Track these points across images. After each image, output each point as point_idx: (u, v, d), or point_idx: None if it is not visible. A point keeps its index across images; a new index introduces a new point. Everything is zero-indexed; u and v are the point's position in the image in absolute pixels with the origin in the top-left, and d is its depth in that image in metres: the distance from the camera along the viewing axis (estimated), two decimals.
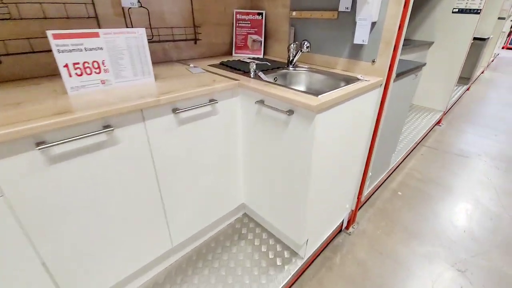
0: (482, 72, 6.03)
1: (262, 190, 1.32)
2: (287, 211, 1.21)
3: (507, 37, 9.37)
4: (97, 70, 0.98)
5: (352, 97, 1.06)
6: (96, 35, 0.96)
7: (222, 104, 1.14)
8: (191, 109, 1.02)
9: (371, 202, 1.84)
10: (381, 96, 1.25)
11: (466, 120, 3.35)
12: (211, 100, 1.09)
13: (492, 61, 7.36)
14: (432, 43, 3.09)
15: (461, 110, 3.68)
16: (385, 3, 1.11)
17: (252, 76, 1.22)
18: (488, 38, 4.12)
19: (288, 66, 1.43)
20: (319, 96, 0.93)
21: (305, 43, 1.30)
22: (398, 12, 1.09)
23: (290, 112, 0.97)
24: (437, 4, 2.95)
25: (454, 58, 3.01)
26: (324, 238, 1.39)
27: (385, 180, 2.05)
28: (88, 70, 0.97)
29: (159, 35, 1.45)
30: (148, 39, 1.45)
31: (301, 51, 1.35)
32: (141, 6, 1.39)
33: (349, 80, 1.18)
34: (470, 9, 2.78)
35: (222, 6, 1.66)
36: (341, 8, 1.27)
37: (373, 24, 1.17)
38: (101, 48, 0.98)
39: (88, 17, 1.24)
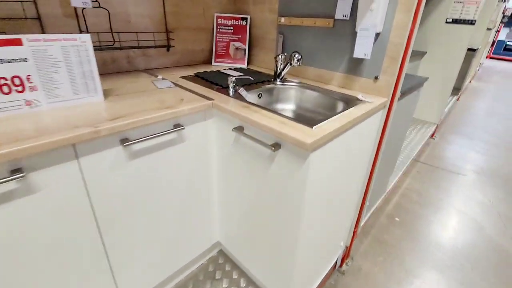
0: (470, 82, 6.05)
1: (241, 232, 1.09)
2: (270, 261, 0.99)
3: (490, 47, 9.61)
4: (20, 88, 0.74)
5: (354, 125, 0.86)
6: (17, 42, 0.72)
7: (190, 130, 0.91)
8: (147, 139, 0.78)
9: (366, 230, 1.64)
10: (384, 118, 1.06)
11: (459, 132, 3.24)
12: (176, 126, 0.86)
13: (478, 70, 7.44)
14: (424, 53, 2.98)
15: (454, 122, 3.58)
16: (391, 10, 0.91)
17: (231, 94, 1.00)
18: (478, 48, 4.07)
19: (275, 79, 1.22)
20: (314, 127, 0.71)
21: (296, 56, 1.09)
22: (407, 22, 0.89)
23: (276, 146, 0.75)
24: (429, 14, 2.85)
25: (448, 69, 2.90)
26: (315, 287, 1.17)
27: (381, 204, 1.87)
28: (5, 88, 0.72)
29: (120, 41, 1.21)
30: (108, 45, 1.20)
31: (290, 64, 1.14)
32: (99, 6, 1.14)
33: (348, 101, 0.98)
34: (464, 20, 2.68)
35: (201, 9, 1.44)
36: (338, 15, 1.07)
37: (377, 35, 0.97)
38: (26, 60, 0.74)
39: (26, 18, 0.99)
